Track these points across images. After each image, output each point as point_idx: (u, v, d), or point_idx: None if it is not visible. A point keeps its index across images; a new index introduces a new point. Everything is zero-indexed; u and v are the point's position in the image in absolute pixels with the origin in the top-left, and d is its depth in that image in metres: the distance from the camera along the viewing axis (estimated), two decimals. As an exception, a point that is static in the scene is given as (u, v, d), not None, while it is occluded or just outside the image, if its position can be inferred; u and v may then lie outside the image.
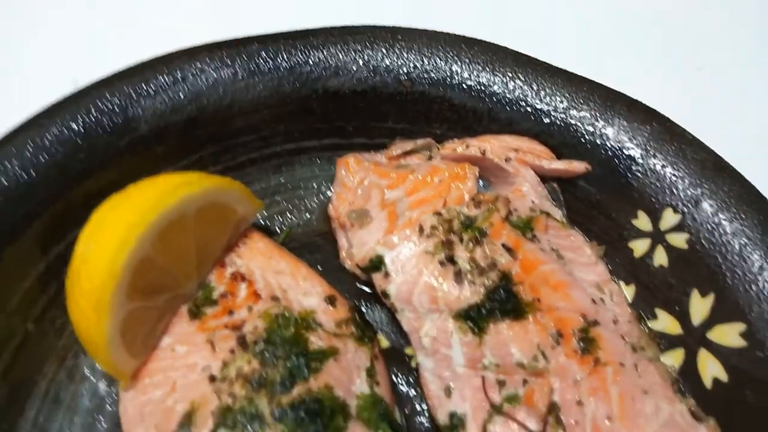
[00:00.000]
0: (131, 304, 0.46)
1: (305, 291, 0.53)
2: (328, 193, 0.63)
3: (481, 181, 0.60)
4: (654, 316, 0.55)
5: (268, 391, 0.45)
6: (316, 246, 0.60)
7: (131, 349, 0.47)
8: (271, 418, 0.44)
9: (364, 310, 0.57)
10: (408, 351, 0.55)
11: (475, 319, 0.49)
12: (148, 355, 0.49)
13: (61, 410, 0.50)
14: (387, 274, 0.52)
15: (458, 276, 0.51)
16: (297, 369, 0.46)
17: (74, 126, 0.54)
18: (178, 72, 0.58)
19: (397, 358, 0.54)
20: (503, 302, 0.49)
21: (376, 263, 0.52)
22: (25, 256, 0.51)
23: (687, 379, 0.52)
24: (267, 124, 0.61)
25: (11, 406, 0.49)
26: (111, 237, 0.44)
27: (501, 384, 0.49)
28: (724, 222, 0.52)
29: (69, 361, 0.52)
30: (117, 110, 0.56)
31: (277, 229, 0.62)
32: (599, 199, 0.58)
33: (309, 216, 0.63)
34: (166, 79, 0.58)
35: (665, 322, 0.54)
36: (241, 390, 0.46)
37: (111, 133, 0.55)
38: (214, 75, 0.59)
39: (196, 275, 0.52)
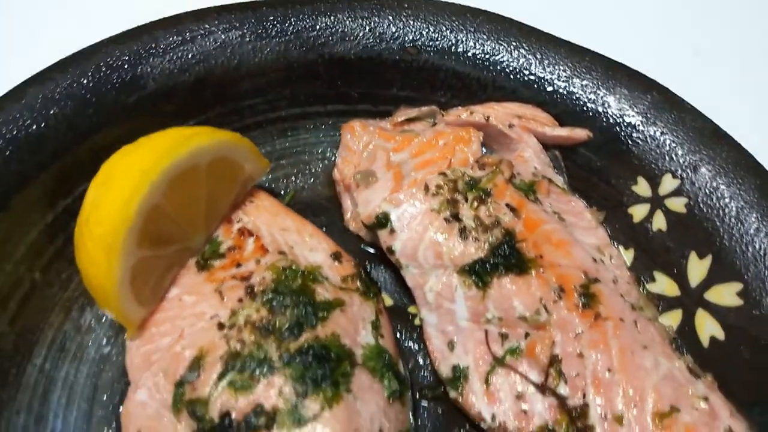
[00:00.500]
0: (141, 252, 0.46)
1: (311, 247, 0.54)
2: (333, 158, 0.64)
3: (484, 149, 0.61)
4: (652, 279, 0.56)
5: (276, 338, 0.46)
6: (320, 208, 0.61)
7: (139, 297, 0.48)
8: (279, 363, 0.45)
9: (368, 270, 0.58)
10: (411, 309, 0.55)
11: (478, 274, 0.50)
12: (156, 304, 0.50)
13: (67, 359, 0.50)
14: (392, 231, 0.53)
15: (463, 233, 0.51)
16: (304, 317, 0.47)
17: (84, 81, 0.55)
18: (187, 32, 0.59)
19: (401, 316, 0.55)
20: (506, 258, 0.50)
21: (382, 220, 0.53)
22: (33, 206, 0.52)
23: (685, 339, 0.53)
24: (273, 88, 0.62)
25: (18, 353, 0.49)
26: (123, 182, 0.45)
27: (503, 337, 0.50)
28: (721, 186, 0.54)
29: (75, 313, 0.52)
30: (126, 67, 0.56)
31: (282, 193, 0.62)
32: (600, 166, 0.59)
33: (313, 180, 0.63)
34: (175, 39, 0.58)
35: (663, 285, 0.55)
36: (249, 336, 0.46)
37: (119, 89, 0.56)
38: (222, 37, 0.60)
39: (204, 229, 0.53)
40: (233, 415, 0.43)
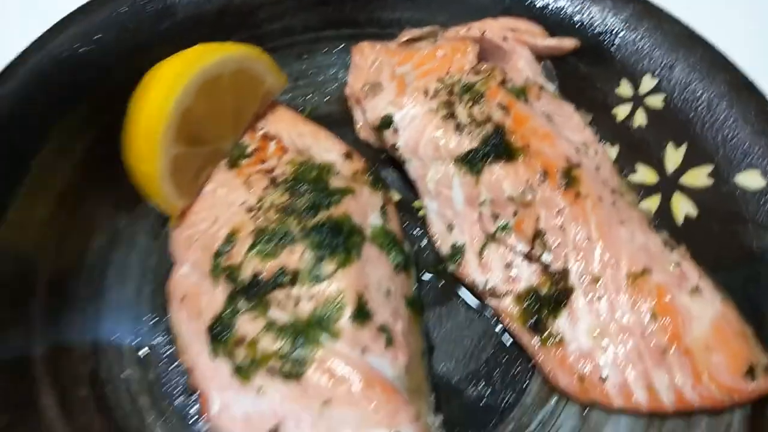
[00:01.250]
0: (178, 148, 0.54)
1: (326, 148, 0.61)
2: (345, 79, 0.70)
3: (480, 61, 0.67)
4: (634, 171, 0.62)
5: (296, 216, 0.54)
6: (334, 122, 0.68)
7: (180, 188, 0.55)
8: (299, 235, 0.52)
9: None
10: (416, 204, 0.62)
11: (472, 162, 0.57)
12: (194, 197, 0.57)
13: (119, 246, 0.59)
14: (396, 130, 0.60)
15: (458, 128, 0.58)
16: (320, 200, 0.55)
17: (123, 10, 0.63)
18: (211, -35, 0.66)
19: (407, 209, 0.62)
20: (496, 148, 0.57)
21: (387, 121, 0.60)
22: (86, 116, 0.60)
23: (662, 220, 0.59)
24: (288, 15, 0.69)
25: (80, 240, 0.58)
26: (160, 86, 0.53)
27: (495, 217, 0.56)
28: (695, 81, 0.59)
29: (124, 210, 0.61)
30: (158, -2, 0.64)
31: (300, 110, 0.69)
32: (586, 72, 0.65)
33: (328, 98, 0.70)
34: (200, -28, 0.66)
35: (644, 174, 0.61)
36: (273, 216, 0.54)
37: (153, 18, 0.64)
38: (243, -32, 0.67)
39: (232, 134, 0.60)
40: (262, 276, 0.51)
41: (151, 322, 0.56)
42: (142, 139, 0.52)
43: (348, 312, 0.49)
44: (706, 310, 0.50)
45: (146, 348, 0.54)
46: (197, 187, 0.58)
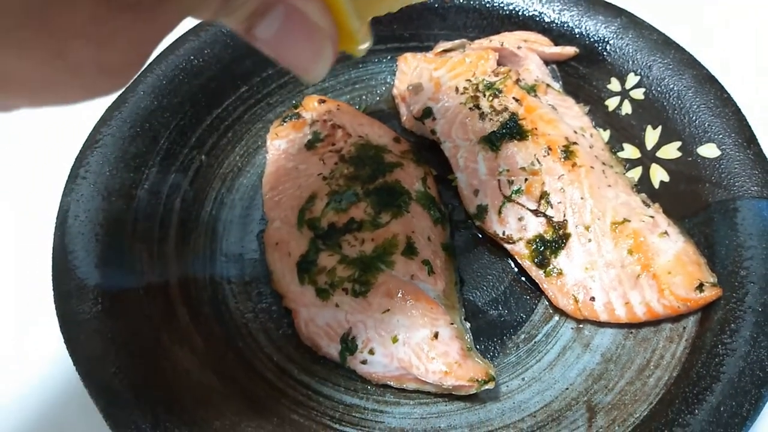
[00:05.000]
0: None
1: (379, 135, 0.79)
2: (392, 82, 0.88)
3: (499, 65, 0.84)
4: (622, 149, 0.78)
5: (359, 182, 0.72)
6: (385, 116, 0.86)
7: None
8: (362, 195, 0.70)
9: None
10: (450, 176, 0.79)
11: (492, 142, 0.74)
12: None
13: (225, 208, 0.77)
14: (434, 119, 0.78)
15: (482, 116, 0.76)
16: (377, 170, 0.72)
17: (223, 29, 0.82)
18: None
19: (443, 181, 0.79)
20: (511, 130, 0.74)
21: (428, 112, 0.78)
22: (198, 111, 0.79)
23: (643, 186, 0.75)
24: (349, 33, 0.88)
25: (195, 203, 0.76)
26: None
27: (510, 183, 0.73)
28: (668, 78, 0.76)
29: (228, 181, 0.79)
30: (250, 21, 0.83)
31: (357, 107, 0.88)
32: (584, 73, 0.82)
33: (379, 98, 0.88)
34: None
35: (629, 152, 0.78)
36: (343, 182, 0.72)
37: (247, 36, 0.83)
38: None
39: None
40: (336, 225, 0.69)
41: (252, 262, 0.74)
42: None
43: (400, 249, 0.67)
44: (671, 247, 0.66)
45: (249, 280, 0.73)
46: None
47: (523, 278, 0.72)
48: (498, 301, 0.71)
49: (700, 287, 0.62)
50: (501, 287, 0.72)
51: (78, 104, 0.31)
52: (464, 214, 0.76)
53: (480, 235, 0.75)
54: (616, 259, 0.67)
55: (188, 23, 0.82)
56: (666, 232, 0.68)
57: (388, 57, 0.90)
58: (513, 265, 0.73)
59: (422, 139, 0.83)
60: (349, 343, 0.64)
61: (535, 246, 0.70)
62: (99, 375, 0.57)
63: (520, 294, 0.71)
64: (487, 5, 0.86)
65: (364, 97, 0.89)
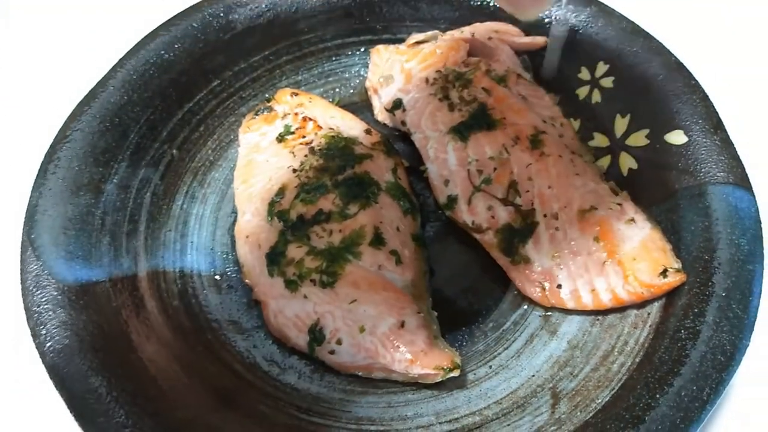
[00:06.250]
0: None
1: (350, 126, 0.80)
2: (365, 74, 0.88)
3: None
4: (592, 138, 0.78)
5: (329, 174, 0.72)
6: (358, 108, 0.86)
7: None
8: (332, 187, 0.70)
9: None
10: (421, 168, 0.80)
11: (461, 132, 0.74)
12: None
13: (197, 202, 0.77)
14: (404, 110, 0.78)
15: (451, 106, 0.76)
16: (346, 162, 0.73)
17: (195, 25, 0.82)
18: (261, -10, 0.85)
19: (414, 172, 0.79)
20: (480, 120, 0.74)
21: (398, 103, 0.78)
22: (170, 104, 0.79)
23: (612, 174, 0.75)
24: (321, 26, 0.87)
25: (166, 197, 0.76)
26: None
27: (479, 172, 0.73)
28: (636, 65, 0.76)
29: (200, 175, 0.79)
30: (221, 15, 0.83)
31: (331, 100, 0.88)
32: (555, 62, 0.82)
33: (352, 90, 0.88)
34: (253, -5, 0.85)
35: (599, 140, 0.78)
36: (312, 174, 0.72)
37: (218, 30, 0.83)
38: (285, -9, 0.86)
39: None
40: (305, 216, 0.69)
41: (223, 256, 0.74)
42: None
43: (367, 239, 0.67)
44: (636, 234, 0.66)
45: (219, 273, 0.73)
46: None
47: (493, 267, 0.72)
48: (468, 290, 0.71)
49: (664, 273, 0.63)
50: (471, 276, 0.72)
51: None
52: (435, 204, 0.76)
53: (450, 225, 0.75)
54: (583, 247, 0.67)
55: (161, 16, 0.82)
56: (633, 219, 0.68)
57: (362, 49, 0.90)
58: (482, 254, 0.73)
59: (395, 131, 0.84)
60: (317, 334, 0.65)
61: (503, 235, 0.70)
62: (63, 367, 0.57)
63: (489, 283, 0.71)
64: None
65: (337, 89, 0.89)
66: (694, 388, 0.55)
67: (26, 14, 1.06)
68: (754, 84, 0.92)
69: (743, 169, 0.67)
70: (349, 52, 0.90)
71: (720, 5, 0.99)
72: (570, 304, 0.67)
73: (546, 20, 0.82)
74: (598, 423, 0.56)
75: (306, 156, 0.75)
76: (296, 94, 0.82)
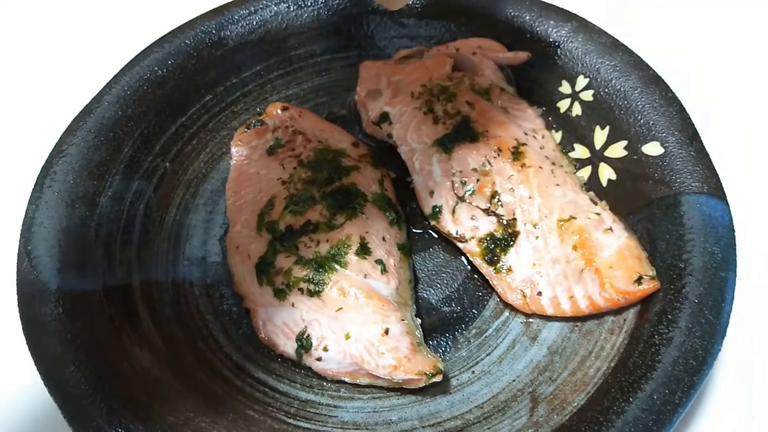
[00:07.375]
0: None
1: (339, 139, 0.82)
2: (354, 88, 0.91)
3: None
4: (573, 149, 0.81)
5: (317, 186, 0.74)
6: (346, 121, 0.88)
7: None
8: (319, 198, 0.73)
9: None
10: (408, 179, 0.82)
11: (445, 144, 0.76)
12: None
13: (189, 213, 0.79)
14: (391, 123, 0.80)
15: (435, 119, 0.78)
16: (334, 174, 0.75)
17: (188, 41, 0.84)
18: (252, 7, 0.88)
19: (402, 183, 0.82)
20: (463, 133, 0.76)
21: (385, 117, 0.81)
22: (164, 118, 0.82)
23: (592, 185, 0.78)
24: (311, 41, 0.90)
25: (159, 209, 0.79)
26: None
27: (463, 184, 0.76)
28: (615, 79, 0.78)
29: (192, 188, 0.81)
30: (213, 32, 0.86)
31: (320, 113, 0.90)
32: (537, 76, 0.84)
33: (341, 104, 0.91)
34: (244, 12, 0.87)
35: (579, 151, 0.80)
36: (301, 186, 0.74)
37: (210, 46, 0.85)
38: (275, 8, 0.88)
39: None
40: (293, 227, 0.71)
41: (214, 265, 0.76)
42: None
43: (353, 249, 0.70)
44: (613, 242, 0.68)
45: (211, 283, 0.75)
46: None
47: (476, 276, 0.74)
48: (451, 297, 0.73)
49: (639, 280, 0.65)
50: (454, 285, 0.74)
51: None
52: (420, 214, 0.79)
53: (435, 235, 0.78)
54: (562, 255, 0.69)
55: (155, 33, 0.85)
56: (610, 228, 0.70)
57: (350, 63, 0.92)
58: (466, 263, 0.75)
59: (383, 144, 0.86)
60: (304, 341, 0.67)
61: (486, 244, 0.72)
62: (57, 373, 0.59)
63: (472, 291, 0.73)
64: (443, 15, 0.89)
65: (327, 103, 0.91)
66: (666, 391, 0.57)
67: (22, 31, 1.09)
68: (729, 94, 0.94)
69: (718, 178, 0.69)
70: (338, 67, 0.92)
71: (698, 18, 1.02)
72: (550, 311, 0.69)
73: (528, 36, 0.85)
74: (573, 426, 0.58)
75: (295, 168, 0.77)
76: (286, 108, 0.85)
